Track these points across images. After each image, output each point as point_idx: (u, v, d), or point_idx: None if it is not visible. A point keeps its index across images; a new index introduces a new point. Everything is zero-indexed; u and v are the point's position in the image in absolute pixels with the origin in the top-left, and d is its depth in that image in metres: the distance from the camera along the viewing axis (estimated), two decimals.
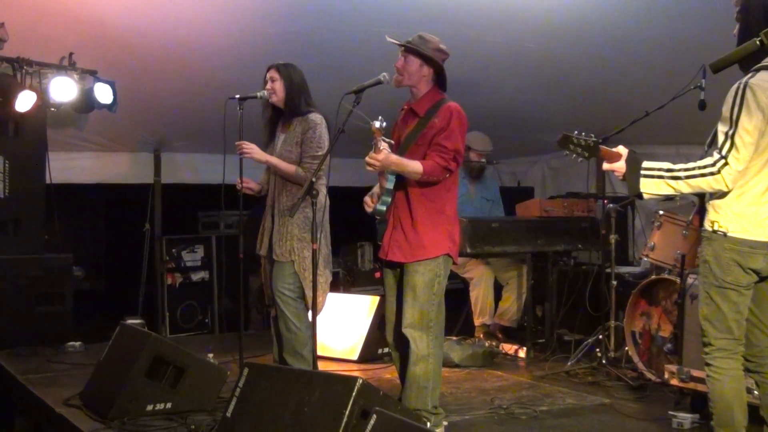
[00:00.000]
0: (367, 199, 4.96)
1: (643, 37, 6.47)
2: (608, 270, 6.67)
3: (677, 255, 5.87)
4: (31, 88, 7.14)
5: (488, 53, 6.89)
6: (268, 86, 5.51)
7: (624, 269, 7.49)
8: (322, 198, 5.21)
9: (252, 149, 5.42)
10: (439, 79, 4.88)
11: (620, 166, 3.93)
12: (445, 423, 4.88)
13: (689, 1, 5.88)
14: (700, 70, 5.17)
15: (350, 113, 4.55)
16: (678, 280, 5.67)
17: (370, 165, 4.55)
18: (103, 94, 7.38)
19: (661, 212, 6.27)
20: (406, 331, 4.70)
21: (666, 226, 6.20)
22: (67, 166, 8.43)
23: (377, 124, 4.43)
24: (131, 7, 6.34)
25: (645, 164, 3.87)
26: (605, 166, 4.01)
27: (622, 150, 3.96)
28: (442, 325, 4.82)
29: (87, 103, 7.44)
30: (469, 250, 6.91)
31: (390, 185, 4.76)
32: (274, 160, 5.46)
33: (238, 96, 5.46)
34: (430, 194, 4.74)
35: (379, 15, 6.47)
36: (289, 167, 5.42)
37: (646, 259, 6.40)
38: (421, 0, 6.28)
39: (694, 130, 7.28)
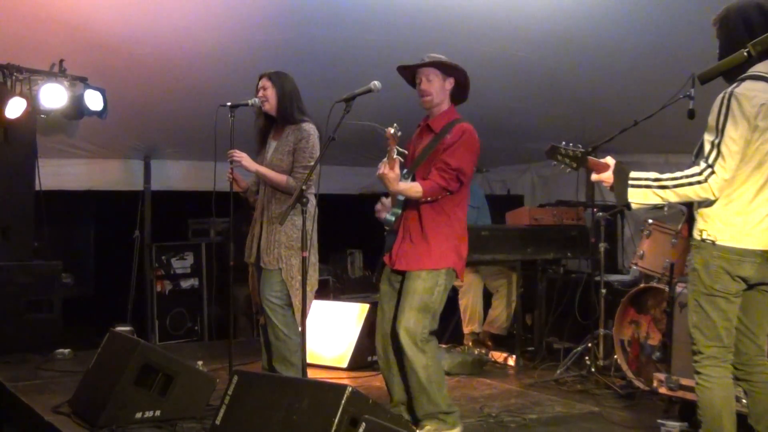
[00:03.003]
0: (378, 206, 5.13)
1: (632, 46, 6.49)
2: (597, 278, 6.69)
3: (666, 263, 5.90)
4: (21, 94, 7.13)
5: (478, 61, 6.89)
6: (260, 94, 5.52)
7: (613, 277, 7.52)
8: (311, 207, 5.22)
9: (242, 158, 5.42)
10: (461, 91, 5.02)
11: (608, 177, 3.94)
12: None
13: (679, 11, 5.90)
14: (689, 80, 5.20)
15: (341, 121, 4.57)
16: (667, 289, 5.70)
17: (381, 180, 4.70)
18: (94, 100, 7.37)
19: (650, 221, 6.30)
20: (401, 334, 4.74)
21: (655, 234, 6.22)
22: (57, 173, 8.42)
23: (392, 130, 4.50)
24: (122, 14, 6.34)
25: (632, 174, 3.88)
26: (593, 177, 4.02)
27: (609, 161, 3.97)
28: (433, 327, 4.86)
29: (77, 109, 7.42)
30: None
31: (401, 196, 4.92)
32: (263, 169, 5.46)
33: (229, 103, 5.46)
34: (440, 208, 4.87)
35: (369, 23, 6.49)
36: (279, 177, 5.42)
37: (635, 267, 6.42)
38: (411, 8, 6.30)
39: (683, 139, 7.31)
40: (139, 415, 4.90)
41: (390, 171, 4.60)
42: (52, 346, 7.29)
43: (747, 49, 3.68)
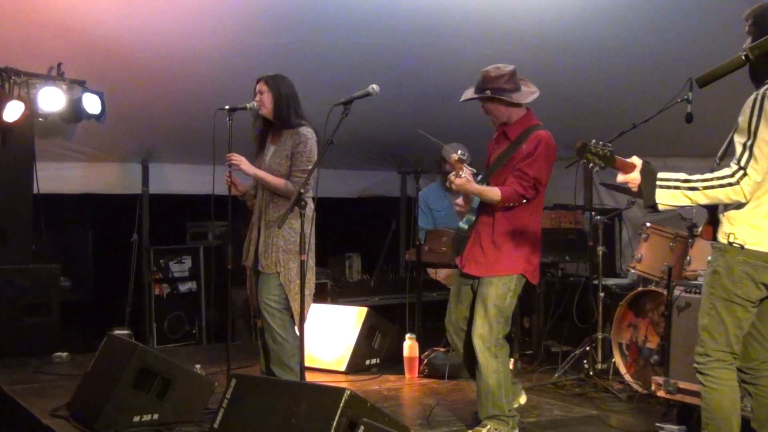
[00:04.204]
0: (459, 201, 5.27)
1: (630, 49, 6.50)
2: (595, 282, 6.68)
3: (664, 267, 5.90)
4: (19, 98, 7.12)
5: (475, 64, 6.89)
6: (257, 98, 5.52)
7: (611, 281, 7.50)
8: (309, 210, 5.22)
9: (241, 161, 5.42)
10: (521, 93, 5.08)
11: (635, 177, 3.83)
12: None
13: (676, 15, 5.91)
14: (687, 83, 5.19)
15: (339, 124, 4.58)
16: (665, 292, 5.69)
17: (449, 187, 4.95)
18: (92, 104, 7.36)
19: (648, 224, 6.30)
20: (475, 340, 4.94)
21: (653, 238, 6.22)
22: (55, 176, 8.40)
23: (455, 156, 4.73)
24: (120, 17, 6.34)
25: (660, 175, 3.79)
26: (620, 178, 3.90)
27: (636, 160, 3.86)
28: (505, 333, 5.03)
29: (75, 113, 7.42)
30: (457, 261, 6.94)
31: (475, 204, 5.09)
32: (261, 173, 5.46)
33: (227, 107, 5.46)
34: (513, 216, 5.00)
35: (367, 27, 6.50)
36: (277, 181, 5.42)
37: (633, 270, 6.42)
38: (410, 12, 6.31)
39: (681, 143, 7.35)
40: (137, 418, 4.90)
41: (456, 177, 4.79)
42: (50, 350, 7.29)
43: (745, 53, 3.66)
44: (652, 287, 6.12)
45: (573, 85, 7.31)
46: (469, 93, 5.11)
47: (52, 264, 7.74)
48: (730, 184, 3.68)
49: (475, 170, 4.96)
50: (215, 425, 4.38)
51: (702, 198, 3.74)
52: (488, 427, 4.91)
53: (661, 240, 6.16)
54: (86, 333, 8.46)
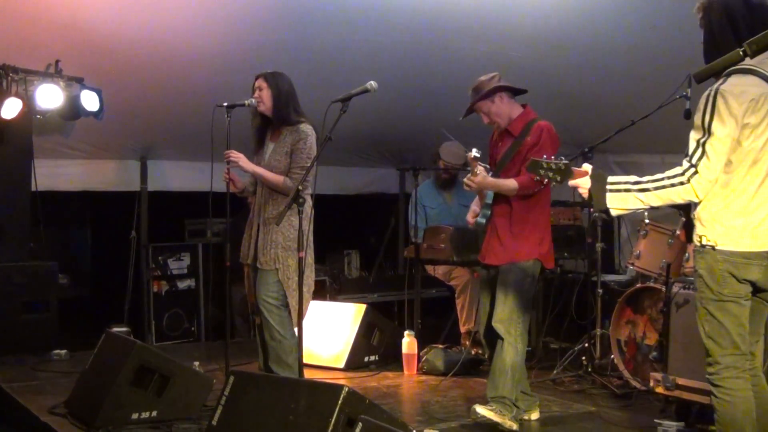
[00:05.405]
0: (469, 218, 5.58)
1: (628, 46, 6.49)
2: (594, 278, 6.69)
3: (662, 263, 5.90)
4: (17, 95, 7.11)
5: (472, 62, 6.91)
6: (256, 95, 5.52)
7: (610, 277, 7.51)
8: (308, 207, 5.21)
9: (239, 158, 5.42)
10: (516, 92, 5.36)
11: (584, 182, 3.77)
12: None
13: (675, 10, 5.90)
14: (685, 80, 5.20)
15: (337, 121, 4.58)
16: (663, 289, 5.69)
17: (468, 186, 5.20)
18: (90, 101, 7.35)
19: (646, 221, 6.30)
20: (496, 325, 5.15)
21: (651, 234, 6.23)
22: (53, 174, 8.39)
23: (472, 154, 5.01)
24: (119, 14, 6.33)
25: (611, 179, 3.72)
26: (570, 182, 3.84)
27: (587, 167, 3.80)
28: (527, 323, 5.27)
29: (73, 110, 7.40)
30: (455, 258, 6.96)
31: (489, 200, 5.36)
32: (260, 170, 5.46)
33: (225, 104, 5.46)
34: (524, 207, 5.25)
35: (366, 24, 6.50)
36: (276, 178, 5.42)
37: (631, 267, 6.42)
38: (407, 10, 6.30)
39: (680, 139, 7.31)
40: (135, 415, 4.91)
41: (474, 177, 5.06)
42: (49, 347, 7.29)
43: (743, 49, 3.62)
44: (651, 284, 6.12)
45: (571, 82, 7.31)
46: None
47: (50, 261, 7.73)
48: (681, 183, 3.60)
49: (488, 166, 5.16)
50: (213, 422, 4.38)
51: (654, 199, 3.66)
52: (494, 407, 5.05)
53: (659, 236, 6.16)
54: (84, 330, 8.44)
